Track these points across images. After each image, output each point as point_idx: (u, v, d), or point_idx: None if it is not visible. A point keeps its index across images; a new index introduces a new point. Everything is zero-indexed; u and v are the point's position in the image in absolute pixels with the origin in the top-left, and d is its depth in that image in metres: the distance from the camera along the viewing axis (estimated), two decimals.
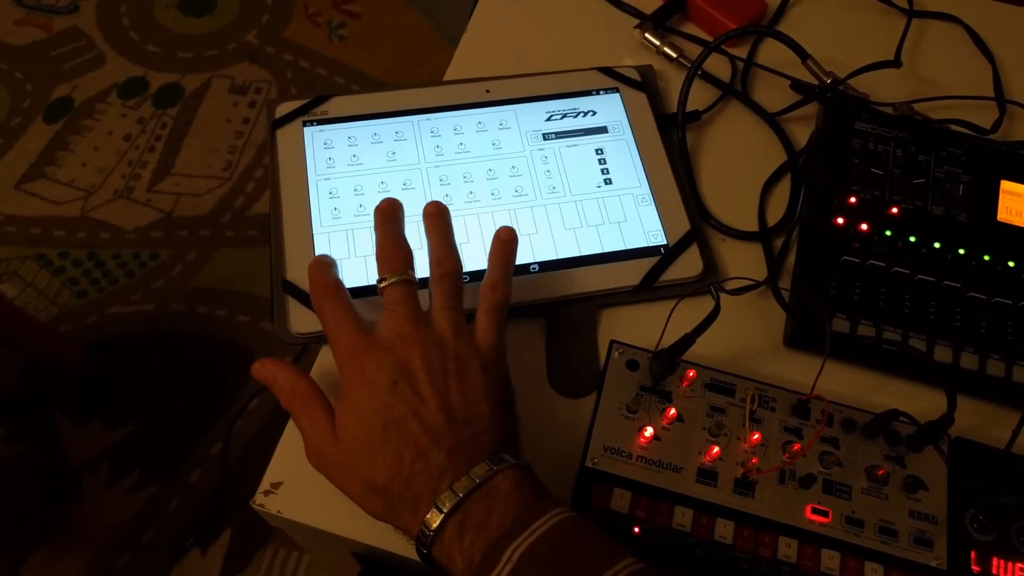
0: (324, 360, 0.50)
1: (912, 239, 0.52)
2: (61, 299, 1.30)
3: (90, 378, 1.23)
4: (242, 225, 1.39)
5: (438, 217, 0.45)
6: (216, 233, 1.37)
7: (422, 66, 1.59)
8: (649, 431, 0.44)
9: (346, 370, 0.40)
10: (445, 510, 0.36)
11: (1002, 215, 0.53)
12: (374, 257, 0.51)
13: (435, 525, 0.36)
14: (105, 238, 1.37)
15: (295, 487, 0.46)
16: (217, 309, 1.30)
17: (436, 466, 0.37)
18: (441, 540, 0.36)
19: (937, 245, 0.52)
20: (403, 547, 0.44)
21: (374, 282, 0.50)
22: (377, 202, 0.53)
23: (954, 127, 0.59)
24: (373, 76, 1.59)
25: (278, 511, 0.45)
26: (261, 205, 1.41)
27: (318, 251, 0.51)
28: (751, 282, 0.49)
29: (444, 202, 0.53)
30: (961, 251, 0.52)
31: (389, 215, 0.45)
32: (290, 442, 0.47)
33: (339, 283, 0.43)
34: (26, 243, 1.36)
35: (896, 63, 0.60)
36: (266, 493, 0.46)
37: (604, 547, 0.35)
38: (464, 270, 0.51)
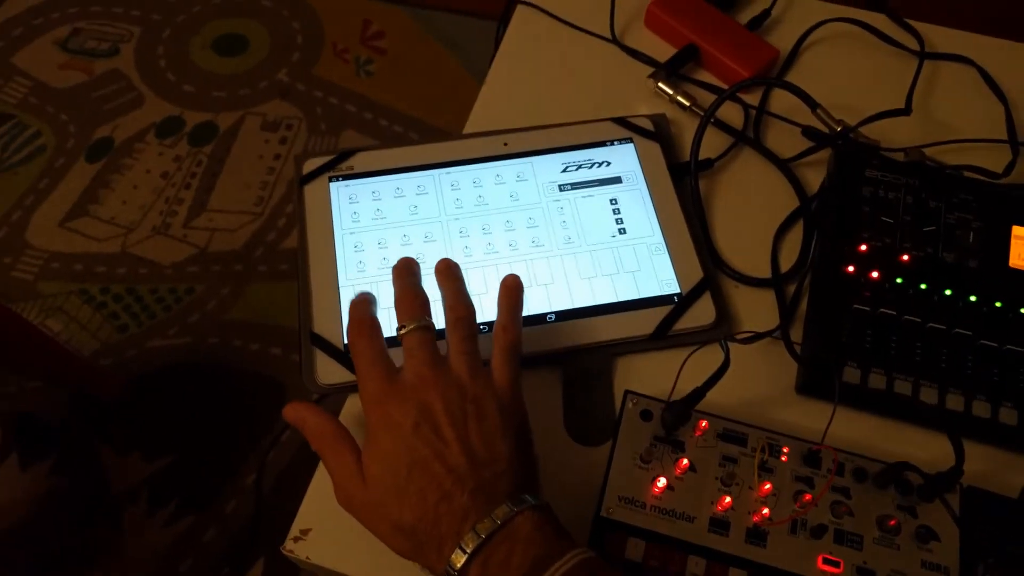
0: (351, 408, 0.52)
1: (923, 287, 0.53)
2: (103, 334, 1.35)
3: (131, 410, 1.27)
4: (274, 259, 1.43)
5: (448, 271, 0.48)
6: (249, 267, 1.42)
7: (448, 99, 1.63)
8: (662, 481, 0.46)
9: (372, 414, 0.42)
10: (468, 551, 0.37)
11: (1014, 261, 0.54)
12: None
13: (459, 565, 0.37)
14: (144, 273, 1.42)
15: (324, 533, 0.48)
16: (251, 342, 1.34)
17: (460, 507, 0.39)
18: None
19: (948, 292, 0.52)
20: None
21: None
22: (398, 256, 0.56)
23: (966, 173, 0.59)
24: (400, 110, 1.63)
25: (307, 557, 0.47)
26: (292, 240, 1.45)
27: (344, 304, 0.54)
28: (762, 333, 0.50)
29: (463, 254, 0.56)
30: (972, 298, 0.52)
31: (406, 270, 0.47)
32: (318, 489, 0.49)
33: (376, 323, 0.45)
34: (70, 279, 1.41)
35: (906, 111, 0.61)
36: (295, 539, 0.48)
37: None
38: (482, 320, 0.53)
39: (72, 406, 1.28)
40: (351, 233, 0.57)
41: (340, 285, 0.55)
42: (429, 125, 1.55)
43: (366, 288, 0.54)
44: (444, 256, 0.55)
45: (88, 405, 1.28)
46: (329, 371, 0.52)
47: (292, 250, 1.43)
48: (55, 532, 1.18)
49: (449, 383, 0.42)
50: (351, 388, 0.52)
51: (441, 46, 1.73)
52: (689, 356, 0.47)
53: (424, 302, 0.46)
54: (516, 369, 0.45)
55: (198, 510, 1.19)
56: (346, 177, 0.60)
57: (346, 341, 0.52)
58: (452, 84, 1.66)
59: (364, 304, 0.46)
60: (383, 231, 0.57)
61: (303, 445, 1.21)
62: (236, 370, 1.31)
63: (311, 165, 0.61)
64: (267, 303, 1.37)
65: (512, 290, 0.47)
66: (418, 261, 0.55)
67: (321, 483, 0.50)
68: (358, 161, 0.61)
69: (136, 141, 1.58)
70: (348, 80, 1.67)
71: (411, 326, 0.44)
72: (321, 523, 0.48)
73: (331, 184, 0.60)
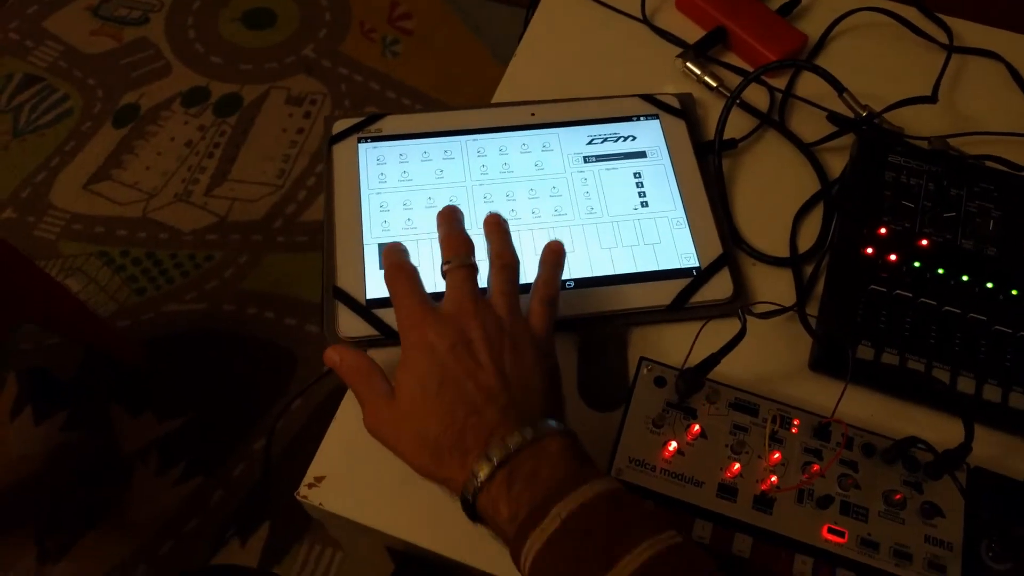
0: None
1: (940, 271, 0.53)
2: (121, 295, 1.37)
3: (145, 372, 1.29)
4: (292, 231, 1.44)
5: (497, 224, 0.49)
6: (268, 238, 1.43)
7: (471, 83, 1.63)
8: (673, 445, 0.46)
9: (408, 336, 0.43)
10: (495, 461, 0.38)
11: None
12: (419, 269, 0.54)
13: (483, 475, 0.38)
14: (164, 239, 1.43)
15: (337, 481, 0.49)
16: (266, 311, 1.35)
17: (488, 421, 0.39)
18: (488, 489, 0.38)
19: (965, 278, 0.53)
20: (441, 543, 0.47)
21: None
22: (423, 217, 0.57)
23: (988, 163, 0.60)
24: (424, 91, 1.64)
25: (320, 503, 0.48)
26: (311, 212, 1.46)
27: (368, 261, 0.55)
28: (779, 307, 0.50)
29: None
30: (989, 285, 0.53)
31: (451, 215, 0.48)
32: (335, 438, 0.51)
33: (413, 268, 0.46)
34: (91, 241, 1.43)
35: (932, 99, 0.61)
36: (310, 486, 0.49)
37: (650, 516, 0.37)
38: None
39: (86, 364, 1.29)
40: (377, 193, 0.58)
41: (364, 242, 0.56)
42: (451, 107, 1.56)
43: None
44: (468, 220, 0.56)
45: (103, 365, 1.30)
46: (350, 324, 0.53)
47: (311, 223, 1.45)
48: (66, 487, 1.20)
49: (488, 315, 0.43)
50: (371, 342, 0.53)
51: (467, 30, 1.73)
52: (704, 324, 0.48)
53: (469, 243, 0.46)
54: (552, 320, 0.46)
55: (206, 473, 1.21)
56: (375, 139, 0.61)
57: (369, 296, 0.53)
58: (476, 68, 1.67)
59: (398, 251, 0.47)
60: (409, 193, 0.58)
61: (313, 414, 1.23)
62: (250, 338, 1.32)
63: (341, 126, 0.62)
64: (284, 274, 1.39)
65: (556, 252, 0.49)
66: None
67: (338, 431, 0.51)
68: (387, 124, 0.62)
69: (162, 109, 1.60)
70: (373, 59, 1.68)
71: (456, 263, 0.45)
72: (336, 470, 0.49)
73: (360, 145, 0.61)
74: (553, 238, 0.55)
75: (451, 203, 0.57)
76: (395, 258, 0.46)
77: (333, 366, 0.46)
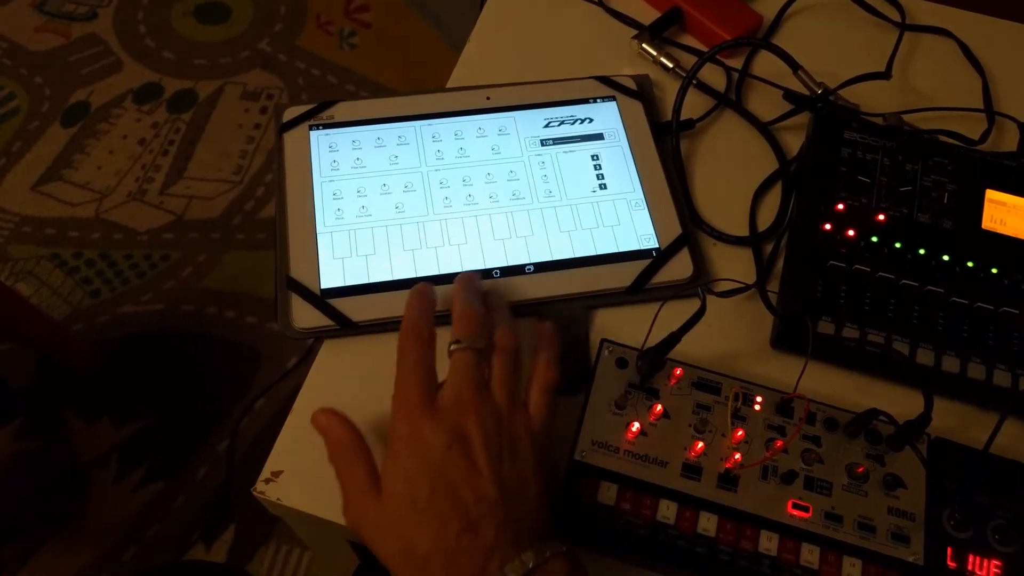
0: (326, 354, 0.52)
1: (897, 245, 0.53)
2: (74, 298, 1.33)
3: (100, 376, 1.26)
4: (252, 228, 1.41)
5: (502, 299, 0.47)
6: (226, 236, 1.40)
7: (430, 74, 1.62)
8: (636, 426, 0.46)
9: (400, 425, 0.40)
10: None
11: (987, 223, 0.54)
12: (375, 257, 0.53)
13: None
14: (118, 239, 1.39)
15: (295, 476, 0.48)
16: (226, 310, 1.32)
17: (485, 543, 0.36)
18: None
19: (922, 251, 0.53)
20: None
21: (374, 280, 0.52)
22: (378, 204, 0.55)
23: (942, 138, 0.60)
24: (383, 84, 1.61)
25: (278, 499, 0.47)
26: (270, 209, 1.43)
27: (321, 250, 0.53)
28: (739, 284, 0.50)
29: (443, 204, 0.56)
30: (945, 257, 0.53)
31: (469, 283, 0.47)
32: (291, 432, 0.49)
33: (433, 335, 0.43)
34: (41, 243, 1.39)
35: (886, 75, 0.61)
36: (267, 481, 0.47)
37: None
38: (462, 270, 0.53)
39: (39, 370, 1.26)
40: (330, 181, 0.57)
41: (318, 232, 0.54)
42: (405, 92, 1.55)
43: (343, 235, 0.54)
44: (423, 206, 0.55)
45: (56, 369, 1.26)
46: (305, 316, 0.51)
47: (270, 219, 1.42)
48: (21, 497, 1.16)
49: (488, 410, 0.40)
50: (326, 333, 0.51)
51: (424, 21, 1.72)
52: (663, 304, 0.47)
53: (484, 323, 0.44)
54: (554, 409, 0.43)
55: (168, 477, 1.18)
56: (326, 126, 0.59)
57: (323, 286, 0.52)
58: (435, 59, 1.65)
59: (425, 305, 0.44)
60: (363, 180, 0.57)
61: (275, 414, 1.20)
62: (210, 338, 1.30)
63: (292, 113, 0.60)
64: (244, 272, 1.36)
65: (554, 333, 0.46)
66: (398, 210, 0.55)
67: (295, 424, 0.49)
68: (339, 111, 0.60)
69: (113, 106, 1.56)
70: (331, 52, 1.66)
71: (465, 343, 0.42)
72: (293, 465, 0.48)
73: (311, 132, 0.59)
74: (505, 225, 0.54)
75: (404, 189, 0.56)
76: (416, 315, 0.43)
77: (320, 431, 0.43)
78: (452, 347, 0.43)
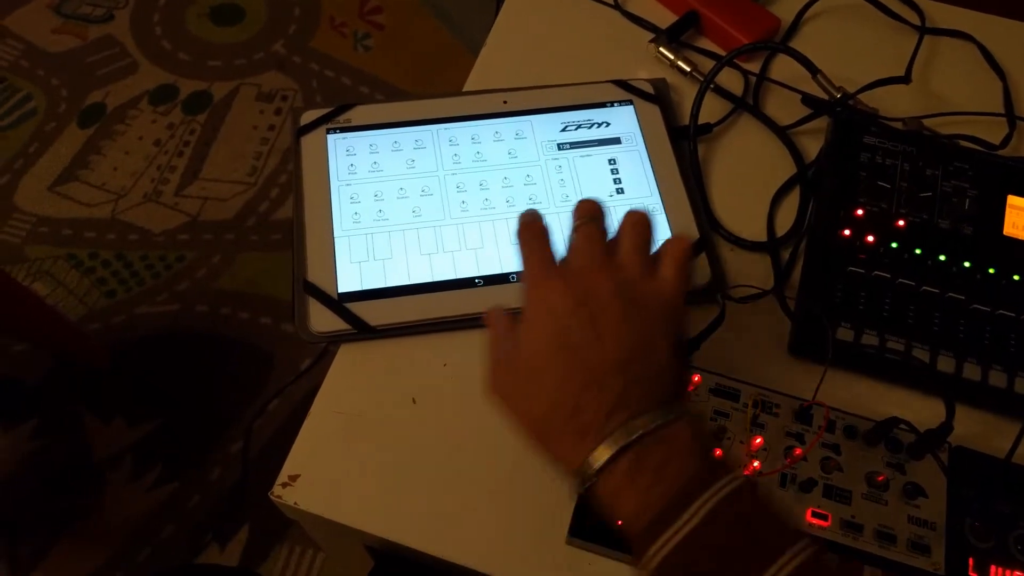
0: (343, 358, 0.52)
1: (918, 251, 0.53)
2: (90, 299, 1.34)
3: (116, 376, 1.26)
4: (266, 229, 1.42)
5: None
6: (240, 237, 1.41)
7: (445, 75, 1.62)
8: None
9: (530, 294, 0.39)
10: (617, 447, 0.34)
11: (1008, 229, 0.54)
12: (392, 261, 0.53)
13: (602, 461, 0.34)
14: (133, 240, 1.40)
15: (312, 480, 0.48)
16: (240, 311, 1.33)
17: (608, 399, 0.35)
18: (609, 477, 0.34)
19: (942, 258, 0.53)
20: (417, 540, 0.46)
21: (391, 284, 0.52)
22: (395, 208, 0.56)
23: (963, 143, 0.60)
24: (397, 85, 1.62)
25: (295, 503, 0.47)
26: (285, 210, 1.44)
27: (338, 254, 0.53)
28: (757, 290, 0.50)
29: (460, 209, 0.56)
30: (966, 264, 0.52)
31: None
32: (308, 436, 0.49)
33: (544, 226, 0.42)
34: (58, 243, 1.40)
35: (906, 79, 0.61)
36: (284, 485, 0.48)
37: (783, 521, 0.34)
38: (480, 274, 0.53)
39: (55, 370, 1.26)
40: (347, 185, 0.57)
41: (335, 236, 0.55)
42: (422, 96, 1.55)
43: (360, 239, 0.54)
44: (440, 210, 0.55)
45: (72, 369, 1.27)
46: (322, 320, 0.51)
47: (284, 220, 1.42)
48: (36, 496, 1.17)
49: (616, 274, 0.39)
50: (344, 337, 0.52)
51: (439, 22, 1.72)
52: None
53: (602, 210, 0.42)
54: (686, 281, 0.40)
55: (182, 477, 1.18)
56: (344, 130, 0.60)
57: (341, 290, 0.52)
58: (450, 60, 1.65)
59: (532, 213, 0.43)
60: (379, 184, 0.57)
61: (289, 415, 1.21)
62: (224, 339, 1.30)
63: (309, 117, 0.60)
64: (258, 273, 1.36)
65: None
66: (415, 214, 0.55)
67: (312, 428, 0.49)
68: (356, 114, 0.60)
69: (129, 108, 1.56)
70: (345, 54, 1.66)
71: (586, 219, 0.41)
72: (310, 469, 0.48)
73: (328, 136, 0.59)
74: (510, 227, 0.54)
75: (421, 193, 0.56)
76: (527, 218, 0.43)
77: (486, 322, 0.42)
78: (575, 226, 0.41)
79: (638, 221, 0.41)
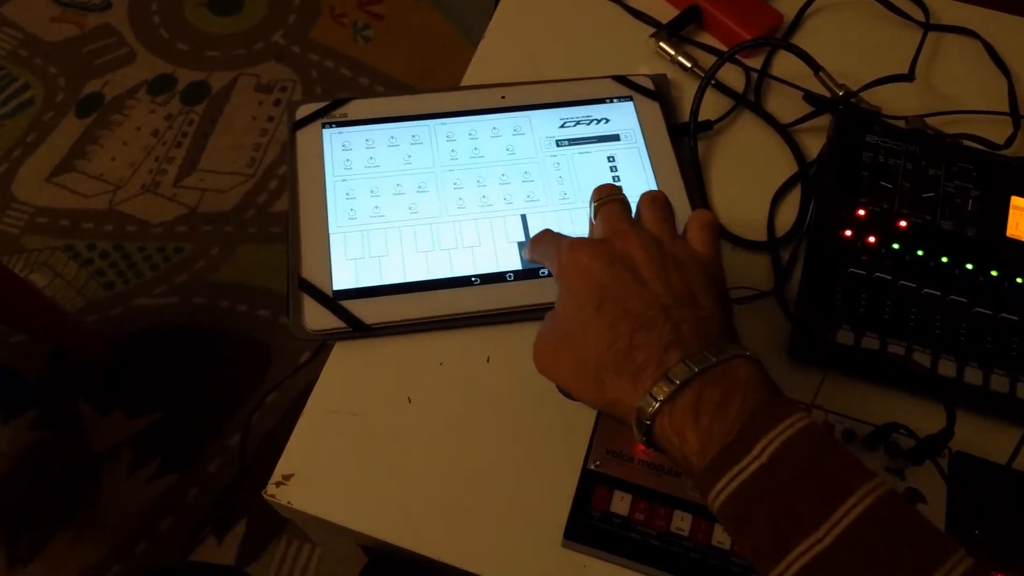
0: (338, 356, 0.51)
1: (920, 253, 0.52)
2: (88, 290, 1.33)
3: (114, 368, 1.26)
4: (265, 221, 1.41)
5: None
6: (239, 229, 1.40)
7: (445, 67, 1.61)
8: None
9: (558, 261, 0.39)
10: (678, 382, 0.33)
11: (1011, 231, 0.53)
12: (388, 258, 0.53)
13: (663, 396, 0.33)
14: (132, 231, 1.40)
15: (306, 479, 0.47)
16: (238, 303, 1.32)
17: (662, 337, 0.35)
18: (670, 414, 0.33)
19: (945, 260, 0.52)
20: (412, 541, 0.45)
21: (387, 282, 0.52)
22: (391, 205, 0.55)
23: (966, 142, 0.59)
24: (397, 77, 1.61)
25: (288, 502, 0.47)
26: (284, 202, 1.43)
27: (334, 251, 0.53)
28: (756, 291, 0.49)
29: (457, 206, 0.55)
30: (969, 266, 0.52)
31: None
32: (302, 435, 0.49)
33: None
34: (56, 235, 1.39)
35: (909, 77, 0.60)
36: (278, 484, 0.47)
37: (855, 464, 0.32)
38: (476, 272, 0.52)
39: (54, 362, 1.26)
40: (343, 180, 0.56)
41: (330, 232, 0.54)
42: (419, 91, 1.54)
43: (356, 236, 0.54)
44: (437, 207, 0.54)
45: (70, 361, 1.26)
46: (317, 317, 0.51)
47: (283, 213, 1.42)
48: (35, 487, 1.17)
49: (647, 236, 0.38)
50: (338, 335, 0.51)
51: (439, 13, 1.70)
52: None
53: (620, 189, 0.42)
54: (718, 245, 0.40)
55: (180, 470, 1.18)
56: (340, 124, 0.59)
57: (336, 288, 0.51)
58: (449, 52, 1.64)
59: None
60: (376, 180, 0.56)
61: (287, 408, 1.21)
62: (223, 331, 1.30)
63: (305, 111, 0.59)
64: (256, 265, 1.36)
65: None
66: (412, 211, 0.55)
67: (306, 427, 0.49)
68: (352, 109, 0.60)
69: (127, 98, 1.56)
70: (345, 45, 1.65)
71: (607, 198, 0.41)
72: (304, 468, 0.48)
73: (324, 131, 0.58)
74: (519, 227, 0.54)
75: (418, 190, 0.56)
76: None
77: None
78: (595, 206, 0.41)
79: (656, 197, 0.41)
